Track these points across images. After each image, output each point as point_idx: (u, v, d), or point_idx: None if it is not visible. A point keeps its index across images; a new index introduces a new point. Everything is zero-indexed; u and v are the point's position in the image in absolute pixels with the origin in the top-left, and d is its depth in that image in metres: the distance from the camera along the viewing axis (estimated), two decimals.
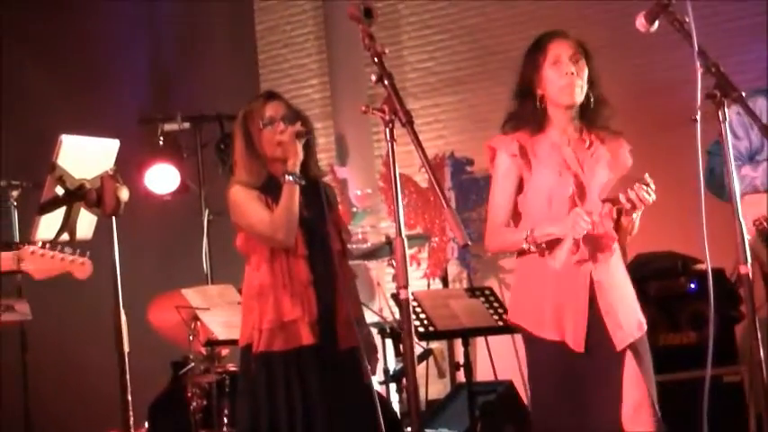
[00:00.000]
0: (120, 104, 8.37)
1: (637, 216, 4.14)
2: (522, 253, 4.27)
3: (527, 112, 4.30)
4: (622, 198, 4.01)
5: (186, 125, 8.18)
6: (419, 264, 8.67)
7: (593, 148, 4.29)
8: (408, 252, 8.67)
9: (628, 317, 4.20)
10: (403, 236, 3.47)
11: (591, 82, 4.28)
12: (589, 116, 4.30)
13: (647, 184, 4.00)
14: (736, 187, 3.73)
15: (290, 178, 4.50)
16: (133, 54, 8.90)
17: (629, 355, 4.12)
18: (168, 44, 9.27)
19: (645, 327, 4.24)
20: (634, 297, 4.29)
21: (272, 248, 4.57)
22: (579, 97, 4.24)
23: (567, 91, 4.21)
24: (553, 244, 4.16)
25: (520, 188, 4.31)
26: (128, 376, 4.22)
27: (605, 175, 4.22)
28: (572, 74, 4.21)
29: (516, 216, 4.34)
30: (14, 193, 6.37)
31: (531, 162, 4.26)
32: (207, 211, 7.81)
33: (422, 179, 8.75)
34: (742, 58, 7.08)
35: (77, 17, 8.29)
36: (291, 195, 4.50)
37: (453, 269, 8.84)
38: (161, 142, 8.09)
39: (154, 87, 9.04)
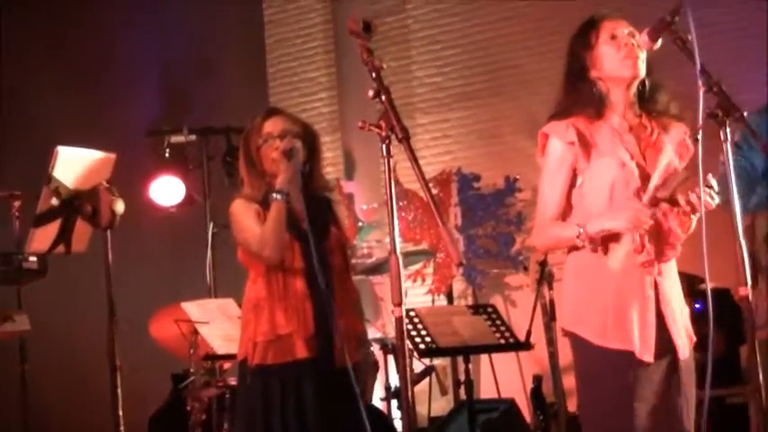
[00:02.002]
0: (128, 116, 8.38)
1: (695, 217, 3.82)
2: (573, 249, 3.91)
3: (583, 96, 3.91)
4: (682, 200, 3.75)
5: (193, 137, 8.19)
6: (424, 279, 8.63)
7: (656, 136, 3.93)
8: (413, 267, 8.71)
9: (683, 325, 3.91)
10: (398, 253, 3.43)
11: (647, 68, 3.92)
12: (648, 102, 3.96)
13: (711, 186, 3.72)
14: (738, 208, 3.67)
15: (277, 196, 4.49)
16: (143, 65, 8.90)
17: (684, 367, 3.86)
18: (178, 56, 9.26)
19: (694, 338, 3.94)
20: (686, 307, 3.97)
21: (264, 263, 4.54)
22: (642, 70, 3.88)
23: (629, 62, 3.85)
24: (608, 240, 3.82)
25: (573, 180, 3.93)
26: (119, 391, 4.18)
27: (670, 165, 3.88)
28: (633, 45, 3.85)
29: (568, 209, 3.97)
30: (16, 204, 6.35)
31: (590, 151, 3.87)
32: (211, 223, 7.78)
33: None
34: (748, 76, 7.02)
35: (87, 28, 8.31)
36: (278, 213, 4.48)
37: (459, 285, 8.80)
38: (167, 154, 8.09)
39: (163, 99, 9.03)
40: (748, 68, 7.15)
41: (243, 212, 4.59)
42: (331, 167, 9.12)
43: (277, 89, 10.10)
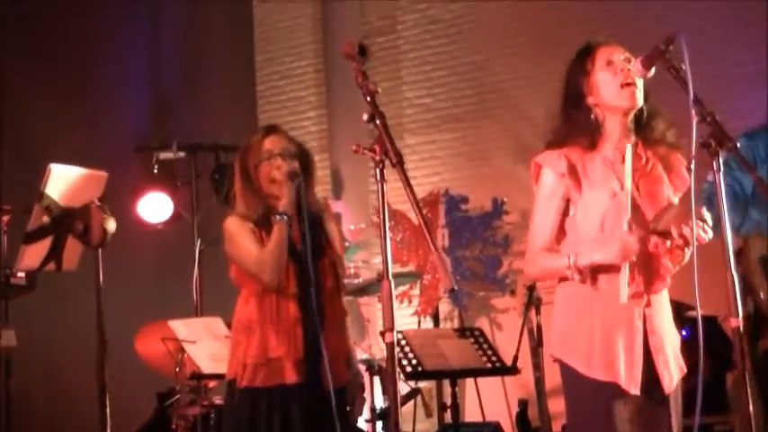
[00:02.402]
0: (117, 132, 8.37)
1: (688, 250, 3.81)
2: (564, 278, 3.90)
3: (578, 125, 3.90)
4: (674, 232, 3.75)
5: (181, 154, 8.19)
6: (410, 301, 8.63)
7: (650, 166, 3.92)
8: (400, 289, 8.68)
9: (673, 357, 3.90)
10: (390, 278, 3.42)
11: (644, 93, 3.90)
12: (644, 130, 3.93)
13: (704, 220, 3.72)
14: (730, 238, 3.66)
15: (280, 218, 4.46)
16: (132, 81, 8.90)
17: (672, 401, 3.86)
18: (168, 73, 9.27)
19: (685, 369, 3.93)
20: (678, 337, 3.97)
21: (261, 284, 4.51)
22: (640, 99, 3.87)
23: (626, 91, 3.84)
24: (598, 271, 3.82)
25: (566, 209, 3.94)
26: (108, 411, 4.16)
27: (664, 196, 3.88)
28: (629, 71, 3.84)
29: (560, 235, 3.97)
30: (5, 218, 6.31)
31: (581, 182, 3.88)
32: (199, 240, 7.77)
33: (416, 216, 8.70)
34: (741, 104, 7.05)
35: (77, 43, 8.30)
36: (281, 236, 4.46)
37: (445, 307, 8.80)
38: (155, 171, 8.08)
39: (152, 115, 9.04)
40: (738, 96, 7.17)
41: (239, 231, 4.56)
42: (319, 187, 9.04)
43: (266, 107, 10.10)
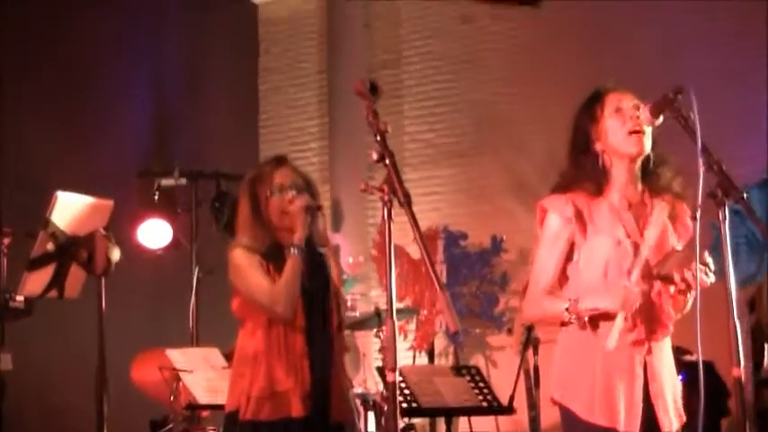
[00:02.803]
0: (118, 157, 8.37)
1: (690, 296, 3.81)
2: (566, 323, 3.88)
3: (585, 170, 3.90)
4: (677, 277, 3.72)
5: (183, 181, 8.19)
6: (406, 335, 8.62)
7: (656, 214, 3.91)
8: (396, 324, 8.60)
9: (673, 404, 3.89)
10: (394, 317, 3.42)
11: (652, 140, 3.90)
12: (651, 177, 3.93)
13: (706, 265, 3.69)
14: (734, 287, 3.66)
15: (295, 252, 4.45)
16: (135, 108, 8.91)
17: None
18: (170, 99, 9.29)
19: (684, 418, 3.91)
20: (679, 384, 3.97)
21: (270, 317, 4.50)
22: (647, 146, 3.87)
23: (633, 138, 3.84)
24: (599, 318, 3.80)
25: (569, 254, 3.93)
26: None
27: (668, 245, 3.86)
28: (638, 117, 3.83)
29: (563, 280, 3.96)
30: (6, 241, 6.31)
31: (586, 227, 3.87)
32: (197, 268, 7.76)
33: (414, 250, 8.70)
34: (742, 153, 7.08)
35: (82, 70, 8.31)
36: (295, 269, 4.44)
37: (440, 343, 8.79)
38: (156, 197, 8.08)
39: (153, 142, 9.04)
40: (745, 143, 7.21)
41: (247, 263, 4.50)
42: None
43: (268, 137, 10.13)
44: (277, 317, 4.44)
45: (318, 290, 4.53)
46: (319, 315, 4.53)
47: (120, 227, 7.48)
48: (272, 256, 4.51)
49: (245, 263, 4.51)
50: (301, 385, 4.42)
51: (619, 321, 3.77)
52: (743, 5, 7.78)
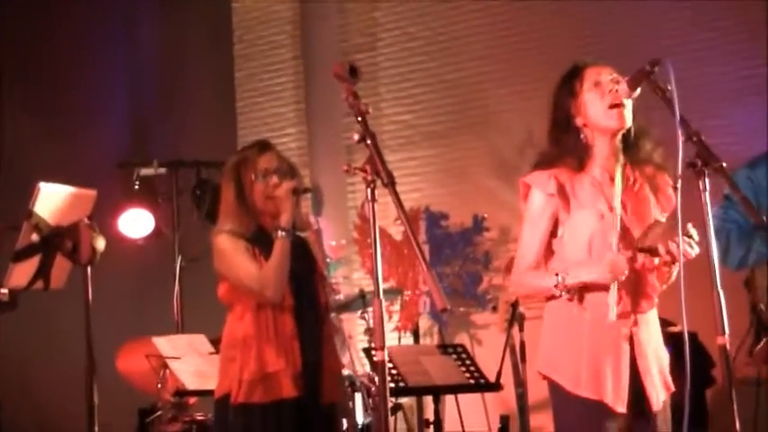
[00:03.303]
0: (97, 148, 8.37)
1: (675, 267, 3.84)
2: (552, 297, 3.94)
3: (567, 147, 3.93)
4: (661, 249, 3.76)
5: (162, 170, 8.19)
6: (390, 317, 8.62)
7: (638, 187, 3.97)
8: None
9: (660, 376, 3.94)
10: (381, 297, 3.44)
11: (632, 113, 3.93)
12: (632, 150, 3.97)
13: (690, 236, 3.73)
14: (715, 255, 3.69)
15: (283, 234, 4.46)
16: (112, 99, 8.91)
17: (659, 418, 3.91)
18: (147, 90, 9.28)
19: (672, 388, 3.98)
20: (665, 354, 4.00)
21: (259, 301, 4.51)
22: (628, 120, 3.90)
23: (614, 112, 3.87)
24: (585, 290, 3.85)
25: (553, 229, 3.98)
26: (96, 428, 4.16)
27: (651, 217, 3.91)
28: (616, 91, 3.86)
29: (548, 255, 4.01)
30: None
31: (570, 202, 3.92)
32: (180, 257, 7.76)
33: (396, 231, 8.74)
34: (720, 122, 7.12)
35: (59, 61, 8.30)
36: (284, 252, 4.46)
37: (425, 323, 8.81)
38: (136, 187, 8.08)
39: (132, 132, 9.04)
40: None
41: (232, 249, 4.52)
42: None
43: (246, 124, 10.11)
44: (267, 300, 4.46)
45: (305, 272, 4.55)
46: (307, 297, 4.56)
47: (102, 218, 7.47)
48: (258, 241, 4.54)
49: (230, 248, 4.52)
50: (292, 366, 4.45)
51: (613, 292, 3.80)
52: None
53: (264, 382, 4.44)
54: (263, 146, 4.72)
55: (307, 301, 4.54)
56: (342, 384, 4.71)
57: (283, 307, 4.49)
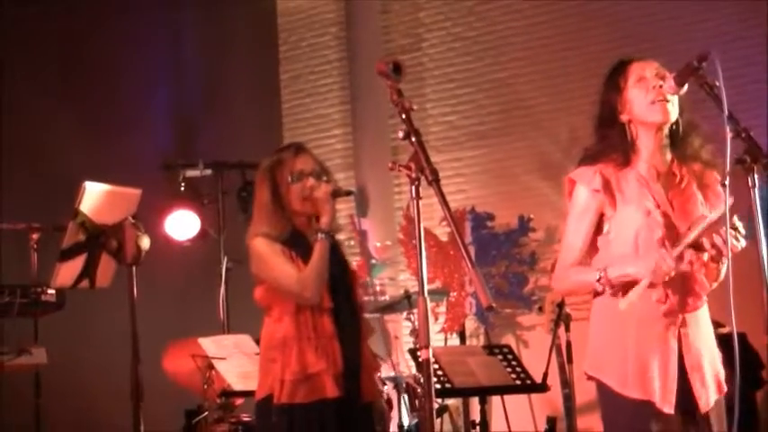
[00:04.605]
0: (143, 150, 8.40)
1: (723, 264, 3.79)
2: (597, 293, 3.88)
3: (612, 142, 3.89)
4: (707, 243, 3.69)
5: (208, 172, 8.21)
6: (436, 318, 8.61)
7: (685, 184, 3.89)
8: None
9: (712, 376, 3.84)
10: (426, 295, 3.41)
11: (680, 108, 3.88)
12: (679, 146, 3.91)
13: (736, 229, 3.67)
14: (765, 253, 3.63)
15: (323, 236, 4.46)
16: (157, 100, 8.94)
17: (712, 418, 3.81)
18: (192, 91, 9.31)
19: (725, 388, 3.88)
20: (718, 354, 3.90)
21: (298, 302, 4.51)
22: (673, 114, 3.85)
23: (658, 106, 3.82)
24: (629, 286, 3.76)
25: (598, 226, 3.92)
26: (142, 428, 4.17)
27: (698, 214, 3.81)
28: (660, 87, 3.81)
29: (593, 252, 3.95)
30: (35, 236, 6.34)
31: (615, 198, 3.86)
32: (225, 258, 7.77)
33: (442, 232, 8.73)
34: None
35: (104, 63, 8.35)
36: (323, 254, 4.46)
37: (471, 324, 8.79)
38: (182, 188, 8.11)
39: (177, 134, 9.07)
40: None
41: (269, 251, 4.51)
42: (344, 204, 9.11)
43: (291, 125, 10.14)
44: (306, 302, 4.46)
45: (341, 273, 4.55)
46: (344, 297, 4.55)
47: (148, 219, 7.51)
48: (293, 243, 4.54)
49: (267, 251, 4.52)
50: (334, 366, 4.44)
51: (642, 284, 3.72)
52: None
53: (307, 382, 4.43)
54: (299, 148, 4.71)
55: (344, 301, 4.54)
56: (377, 383, 4.69)
57: (322, 308, 4.49)
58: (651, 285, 3.75)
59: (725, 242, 3.64)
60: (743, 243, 3.70)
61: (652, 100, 3.84)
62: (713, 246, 3.71)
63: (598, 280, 3.80)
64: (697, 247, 3.76)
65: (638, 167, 3.90)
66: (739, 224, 3.70)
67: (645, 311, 3.80)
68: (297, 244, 4.55)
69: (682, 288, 3.81)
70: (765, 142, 5.87)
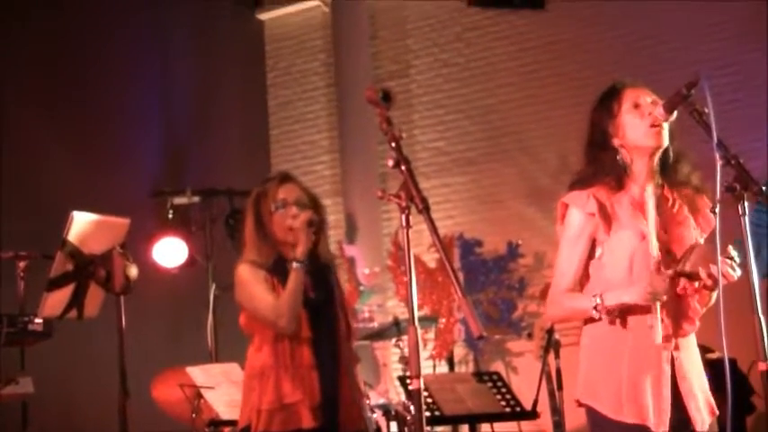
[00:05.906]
0: (131, 178, 8.38)
1: (714, 293, 3.76)
2: (589, 320, 3.84)
3: (604, 166, 3.87)
4: (703, 273, 3.67)
5: (196, 199, 8.20)
6: (425, 345, 8.60)
7: (677, 208, 3.90)
8: None
9: (704, 399, 3.84)
10: (416, 324, 3.39)
11: (670, 134, 3.87)
12: (669, 172, 3.91)
13: (732, 258, 3.67)
14: (756, 282, 3.63)
15: (297, 266, 4.45)
16: (146, 127, 8.92)
17: None
18: (181, 118, 9.30)
19: (717, 411, 3.84)
20: (706, 379, 3.89)
21: (276, 331, 4.50)
22: (666, 140, 3.84)
23: (652, 132, 3.81)
24: (626, 313, 3.75)
25: (590, 250, 3.89)
26: None
27: (691, 238, 3.82)
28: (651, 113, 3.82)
29: (584, 278, 3.92)
30: (22, 264, 6.31)
31: (610, 222, 3.83)
32: (213, 285, 7.75)
33: (430, 259, 8.72)
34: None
35: (94, 92, 8.33)
36: (297, 283, 4.45)
37: (460, 350, 8.77)
38: (170, 216, 8.09)
39: (166, 161, 9.05)
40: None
41: (252, 278, 4.52)
42: (332, 231, 9.08)
43: (279, 151, 10.14)
44: (281, 330, 4.45)
45: (323, 301, 4.53)
46: (325, 327, 4.53)
47: (136, 247, 7.48)
48: (278, 271, 4.52)
49: (249, 278, 4.53)
50: (310, 397, 4.42)
51: (657, 313, 3.71)
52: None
53: (282, 412, 4.41)
54: (284, 177, 4.71)
55: (325, 331, 4.52)
56: (362, 412, 4.66)
57: (300, 338, 4.47)
58: (645, 309, 3.74)
59: (721, 273, 3.63)
60: (738, 272, 3.70)
61: (650, 124, 3.83)
62: (709, 276, 3.69)
63: (594, 307, 3.77)
64: (692, 276, 3.74)
65: (630, 191, 3.89)
66: (734, 253, 3.70)
67: (640, 336, 3.78)
68: (281, 272, 4.54)
69: (676, 313, 3.80)
70: (766, 164, 5.96)
